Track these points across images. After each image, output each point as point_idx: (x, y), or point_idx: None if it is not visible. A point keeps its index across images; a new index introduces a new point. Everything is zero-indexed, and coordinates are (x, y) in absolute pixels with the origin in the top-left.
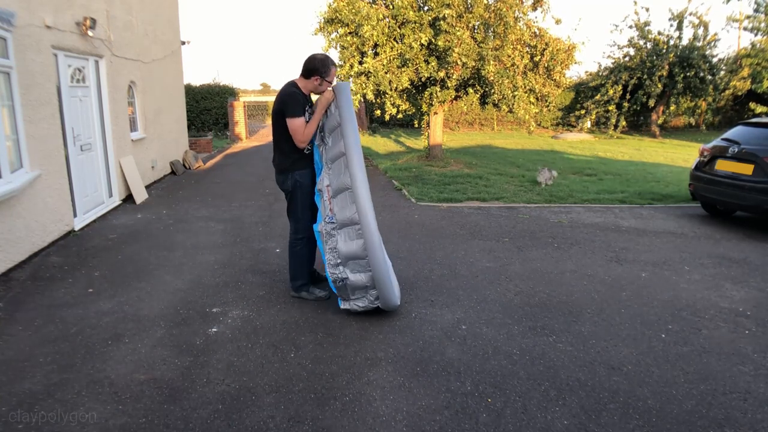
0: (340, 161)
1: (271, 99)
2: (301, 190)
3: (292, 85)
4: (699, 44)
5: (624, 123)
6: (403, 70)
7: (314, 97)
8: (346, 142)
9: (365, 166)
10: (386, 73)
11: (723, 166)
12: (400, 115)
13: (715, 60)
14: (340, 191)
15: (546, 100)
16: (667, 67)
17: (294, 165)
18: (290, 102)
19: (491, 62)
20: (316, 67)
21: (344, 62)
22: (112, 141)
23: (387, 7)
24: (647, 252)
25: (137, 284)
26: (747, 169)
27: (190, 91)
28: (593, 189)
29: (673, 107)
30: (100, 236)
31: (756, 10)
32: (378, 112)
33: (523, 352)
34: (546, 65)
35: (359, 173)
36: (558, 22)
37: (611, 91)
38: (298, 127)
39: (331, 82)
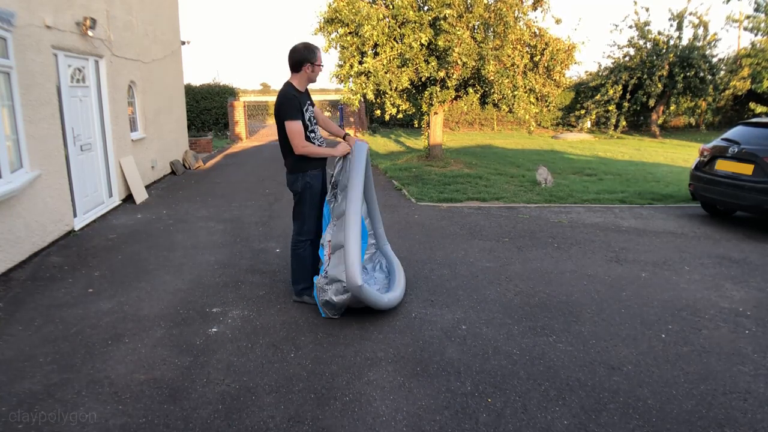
0: (341, 220)
1: (272, 99)
2: (311, 192)
3: (287, 86)
4: (699, 44)
5: (624, 123)
6: (403, 70)
7: (314, 98)
8: (348, 196)
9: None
10: (386, 73)
11: (723, 166)
12: (400, 115)
13: (715, 60)
14: (337, 248)
15: (546, 100)
16: (667, 67)
17: (306, 165)
18: (286, 104)
19: (491, 62)
20: (302, 57)
21: (344, 62)
22: (112, 141)
23: (387, 7)
24: (647, 252)
25: (137, 284)
26: (747, 169)
27: (190, 91)
28: (593, 189)
29: (673, 107)
30: (100, 236)
31: (756, 10)
32: (378, 112)
33: (523, 352)
34: (546, 65)
35: (352, 227)
36: (558, 22)
37: (611, 91)
38: (296, 131)
39: (321, 64)
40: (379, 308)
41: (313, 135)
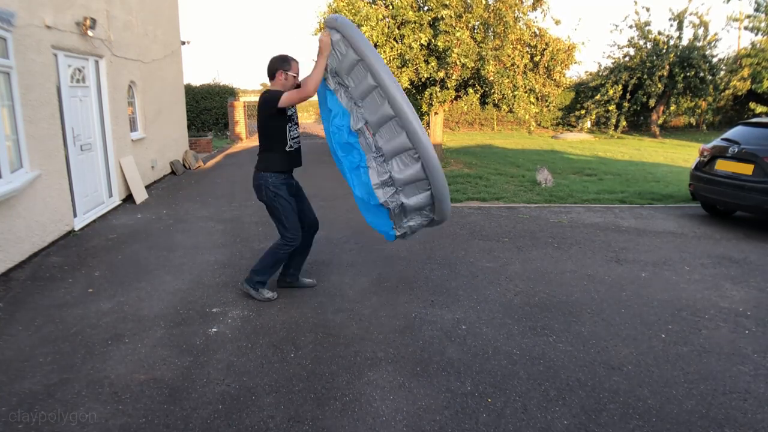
0: (372, 95)
1: None
2: (280, 200)
3: (267, 92)
4: (699, 44)
5: (624, 123)
6: (403, 70)
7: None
8: (375, 72)
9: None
10: None
11: (723, 166)
12: None
13: (715, 60)
14: (383, 122)
15: (546, 100)
16: (667, 67)
17: (268, 165)
18: (270, 98)
19: (491, 62)
20: (275, 66)
21: None
22: (112, 141)
23: (386, 7)
24: (647, 252)
25: (137, 284)
26: (747, 169)
27: (190, 91)
28: (593, 189)
29: (673, 107)
30: (100, 236)
31: (756, 10)
32: None
33: (523, 352)
34: (546, 65)
35: (399, 97)
36: (558, 22)
37: (611, 91)
38: (293, 92)
39: (296, 75)
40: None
41: (293, 129)
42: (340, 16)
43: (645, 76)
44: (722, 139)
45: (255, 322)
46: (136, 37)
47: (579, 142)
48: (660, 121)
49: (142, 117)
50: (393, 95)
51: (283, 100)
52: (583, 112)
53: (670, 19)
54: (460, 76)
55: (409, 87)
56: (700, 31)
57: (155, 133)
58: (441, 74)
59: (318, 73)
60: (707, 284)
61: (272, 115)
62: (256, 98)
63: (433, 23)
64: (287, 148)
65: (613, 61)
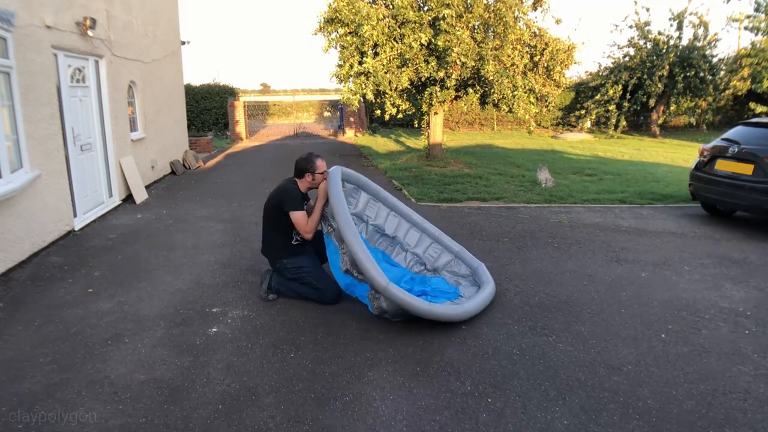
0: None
1: (272, 99)
2: (300, 272)
3: (290, 182)
4: (699, 44)
5: (624, 123)
6: (403, 70)
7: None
8: (336, 218)
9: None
10: (386, 73)
11: (723, 166)
12: (400, 115)
13: (715, 60)
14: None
15: (546, 100)
16: (667, 67)
17: (280, 254)
18: (289, 197)
19: (491, 62)
20: (303, 167)
21: (344, 62)
22: (112, 141)
23: (387, 7)
24: (647, 252)
25: (137, 284)
26: (747, 169)
27: (190, 91)
28: (593, 189)
29: (673, 107)
30: (100, 236)
31: (756, 10)
32: (378, 112)
33: (523, 352)
34: (546, 65)
35: (348, 233)
36: (558, 22)
37: (611, 91)
38: (300, 219)
39: (323, 172)
40: (426, 316)
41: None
42: (335, 169)
43: (645, 76)
44: (722, 139)
45: (255, 322)
46: (136, 37)
47: (579, 142)
48: (660, 121)
49: (142, 117)
50: (347, 239)
51: (294, 217)
52: (583, 112)
53: (670, 19)
54: (460, 75)
55: (409, 87)
56: (700, 31)
57: (155, 133)
58: (441, 74)
59: (316, 215)
60: (707, 284)
61: (281, 213)
62: (256, 98)
63: (434, 23)
64: (293, 242)
65: (613, 61)
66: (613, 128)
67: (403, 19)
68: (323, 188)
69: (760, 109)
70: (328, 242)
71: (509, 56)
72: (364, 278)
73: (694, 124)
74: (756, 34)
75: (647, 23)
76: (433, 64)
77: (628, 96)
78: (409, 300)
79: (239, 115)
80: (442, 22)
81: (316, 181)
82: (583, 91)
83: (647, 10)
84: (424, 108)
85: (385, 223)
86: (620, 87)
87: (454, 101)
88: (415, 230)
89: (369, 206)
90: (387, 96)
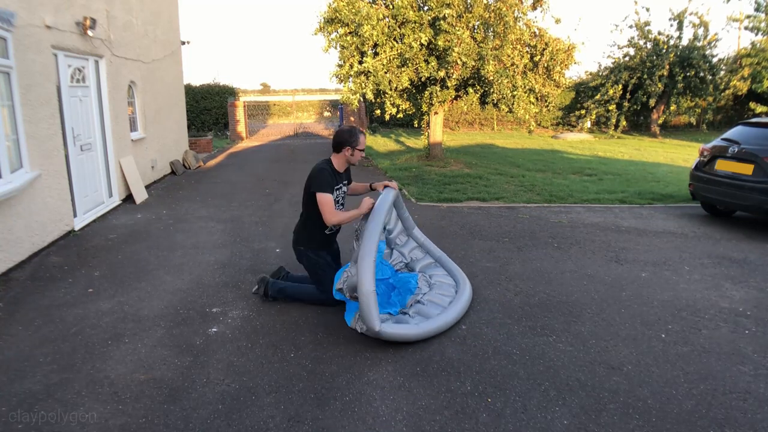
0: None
1: (272, 99)
2: (318, 265)
3: (325, 162)
4: (699, 44)
5: (624, 123)
6: (403, 69)
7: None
8: (362, 247)
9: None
10: (386, 72)
11: (723, 166)
12: (400, 115)
13: (715, 60)
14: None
15: (546, 100)
16: (667, 66)
17: (309, 243)
18: (318, 177)
19: (491, 62)
20: (344, 139)
21: (344, 62)
22: (112, 141)
23: (387, 6)
24: (647, 252)
25: (137, 284)
26: (747, 169)
27: (190, 91)
28: (593, 189)
29: (673, 107)
30: (100, 236)
31: (756, 10)
32: (378, 111)
33: (523, 352)
34: (546, 65)
35: (366, 270)
36: (558, 21)
37: (611, 91)
38: (326, 202)
39: (362, 150)
40: (414, 340)
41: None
42: (391, 191)
43: (645, 76)
44: (722, 139)
45: (255, 322)
46: (136, 37)
47: (579, 141)
48: (660, 121)
49: (142, 117)
50: (361, 270)
51: (320, 198)
52: (583, 111)
53: (670, 19)
54: (460, 75)
55: (409, 87)
56: (700, 31)
57: (155, 133)
58: (441, 74)
59: (347, 217)
60: (707, 284)
61: (311, 194)
62: (256, 98)
63: (434, 23)
64: (326, 231)
65: (613, 60)
66: (613, 128)
67: (403, 18)
68: (368, 204)
69: (760, 109)
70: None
71: (509, 56)
72: (357, 298)
73: (694, 123)
74: (756, 34)
75: (647, 23)
76: (433, 64)
77: (628, 96)
78: (400, 332)
79: (239, 114)
80: (442, 21)
81: (355, 157)
82: (583, 91)
83: (647, 10)
84: (424, 108)
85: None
86: (620, 87)
87: (454, 101)
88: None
89: (390, 216)
90: (387, 96)
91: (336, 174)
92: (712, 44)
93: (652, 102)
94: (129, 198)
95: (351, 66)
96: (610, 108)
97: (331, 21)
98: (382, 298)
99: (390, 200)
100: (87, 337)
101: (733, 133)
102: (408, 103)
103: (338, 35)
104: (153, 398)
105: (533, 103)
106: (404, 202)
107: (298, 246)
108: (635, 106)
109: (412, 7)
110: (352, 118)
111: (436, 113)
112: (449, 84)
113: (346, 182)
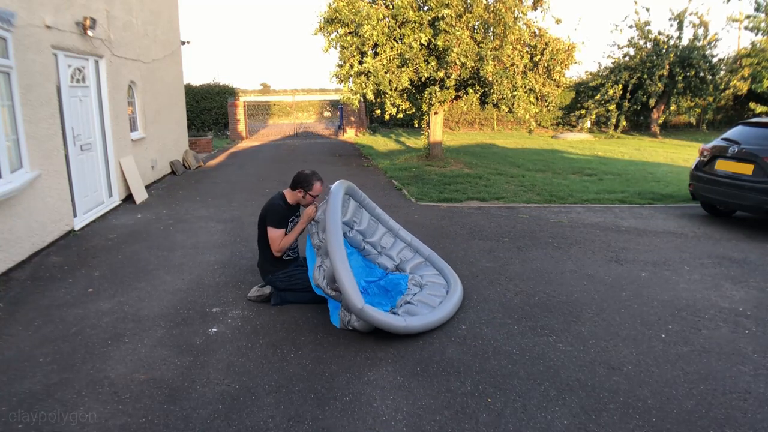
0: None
1: (272, 99)
2: (292, 279)
3: (279, 198)
4: (699, 44)
5: (624, 123)
6: (402, 69)
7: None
8: (328, 236)
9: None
10: (386, 72)
11: (723, 166)
12: (400, 115)
13: (715, 60)
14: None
15: (546, 100)
16: (667, 66)
17: (275, 268)
18: (272, 213)
19: (490, 62)
20: (300, 181)
21: (344, 62)
22: (112, 141)
23: (387, 7)
24: (647, 252)
25: (137, 284)
26: (747, 169)
27: (190, 91)
28: (593, 189)
29: (673, 107)
30: (100, 236)
31: (756, 10)
32: (378, 111)
33: (523, 352)
34: (546, 65)
35: (337, 258)
36: (558, 21)
37: (611, 91)
38: (276, 237)
39: (314, 197)
40: (397, 332)
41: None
42: (338, 185)
43: (645, 76)
44: (722, 139)
45: (255, 322)
46: (136, 37)
47: (579, 141)
48: (660, 121)
49: (142, 117)
50: (332, 255)
51: (270, 233)
52: (583, 111)
53: (670, 19)
54: (460, 75)
55: (409, 87)
56: (700, 31)
57: (155, 133)
58: (441, 74)
59: (292, 237)
60: (707, 284)
61: (265, 227)
62: (256, 98)
63: (433, 23)
64: (284, 257)
65: (613, 60)
66: (613, 128)
67: (403, 19)
68: (309, 213)
69: (760, 109)
70: (310, 250)
71: (509, 56)
72: (337, 296)
73: (694, 123)
74: (756, 34)
75: (647, 23)
76: (433, 64)
77: (628, 96)
78: (384, 319)
79: (240, 114)
80: (441, 22)
81: (306, 200)
82: (583, 91)
83: (647, 10)
84: (424, 108)
85: (369, 230)
86: (620, 87)
87: (454, 101)
88: (390, 236)
89: (356, 213)
90: (387, 96)
91: (289, 207)
92: (712, 44)
93: (652, 102)
94: (129, 198)
95: (351, 66)
96: (610, 108)
97: (331, 21)
98: (373, 299)
99: (340, 192)
100: (87, 337)
101: (733, 133)
102: (408, 103)
103: (338, 35)
104: (153, 398)
105: (533, 103)
106: (405, 202)
107: (266, 276)
108: (635, 106)
109: (412, 7)
110: (352, 118)
111: (436, 113)
112: (449, 84)
113: (297, 214)
